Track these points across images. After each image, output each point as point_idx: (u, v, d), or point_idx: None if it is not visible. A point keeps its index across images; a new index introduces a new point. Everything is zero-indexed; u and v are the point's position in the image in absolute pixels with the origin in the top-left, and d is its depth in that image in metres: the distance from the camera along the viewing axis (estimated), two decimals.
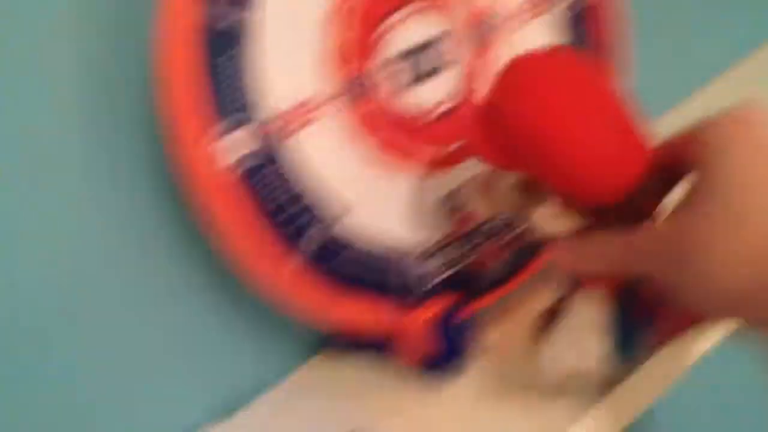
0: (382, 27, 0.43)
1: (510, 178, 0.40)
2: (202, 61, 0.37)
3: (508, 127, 0.36)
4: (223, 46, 0.38)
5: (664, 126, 0.38)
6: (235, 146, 0.38)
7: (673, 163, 0.35)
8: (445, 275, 0.45)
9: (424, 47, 0.44)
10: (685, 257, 0.32)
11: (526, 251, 0.48)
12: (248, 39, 0.38)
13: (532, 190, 0.39)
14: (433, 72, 0.45)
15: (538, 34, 0.49)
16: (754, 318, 0.32)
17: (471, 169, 0.44)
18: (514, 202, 0.40)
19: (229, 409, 0.45)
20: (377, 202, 0.43)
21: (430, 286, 0.45)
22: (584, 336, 0.39)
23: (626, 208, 0.36)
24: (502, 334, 0.46)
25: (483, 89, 0.46)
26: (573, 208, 0.38)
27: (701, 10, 0.70)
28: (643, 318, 0.39)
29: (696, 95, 0.69)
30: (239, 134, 0.38)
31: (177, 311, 0.45)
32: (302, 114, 0.40)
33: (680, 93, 0.69)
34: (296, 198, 0.40)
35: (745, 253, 0.31)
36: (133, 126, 0.42)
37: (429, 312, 0.43)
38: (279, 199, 0.39)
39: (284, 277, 0.39)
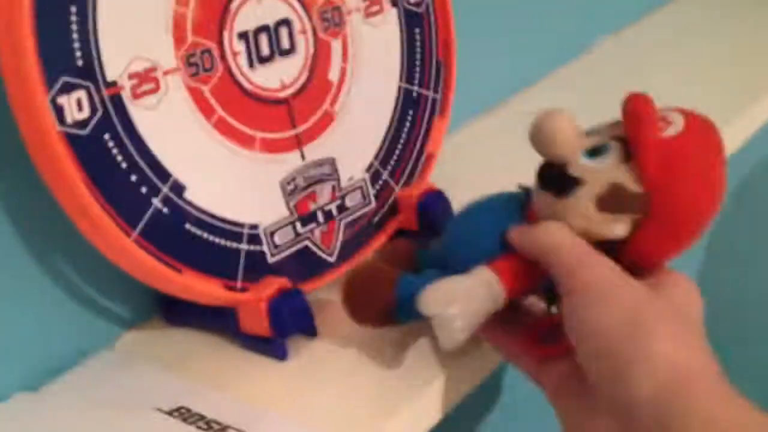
0: (232, 2, 0.43)
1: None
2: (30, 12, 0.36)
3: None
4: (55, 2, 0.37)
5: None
6: (69, 109, 0.37)
7: None
8: (282, 255, 0.46)
9: (271, 28, 0.45)
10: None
11: (363, 234, 0.50)
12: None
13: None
14: (277, 54, 0.46)
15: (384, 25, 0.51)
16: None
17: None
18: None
19: (46, 377, 0.44)
20: (216, 179, 0.43)
21: (267, 264, 0.45)
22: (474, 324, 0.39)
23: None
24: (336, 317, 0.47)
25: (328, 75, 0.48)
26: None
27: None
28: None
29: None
30: (74, 96, 0.38)
31: None
32: (142, 82, 0.40)
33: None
34: (138, 168, 0.40)
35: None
36: None
37: (264, 290, 0.43)
38: (116, 169, 0.39)
39: (122, 248, 0.39)
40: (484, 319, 0.39)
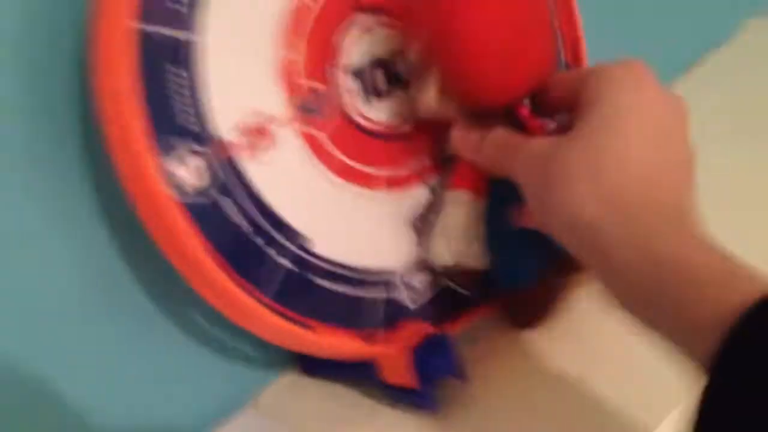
0: (334, 43, 0.41)
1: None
2: (140, 78, 0.34)
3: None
4: (164, 64, 0.35)
5: None
6: (184, 178, 0.36)
7: (563, 94, 0.38)
8: (422, 299, 0.43)
9: (376, 65, 0.43)
10: (549, 181, 0.35)
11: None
12: (193, 62, 0.36)
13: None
14: (387, 91, 0.43)
15: None
16: (591, 255, 0.34)
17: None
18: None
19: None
20: (342, 227, 0.41)
21: (406, 310, 0.43)
22: (456, 237, 0.42)
23: (511, 120, 0.39)
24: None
25: None
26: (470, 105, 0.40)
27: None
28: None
29: None
30: (192, 164, 0.36)
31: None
32: (256, 138, 0.38)
33: None
34: (259, 229, 0.38)
35: (599, 193, 0.33)
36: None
37: (406, 338, 0.41)
38: (241, 232, 0.37)
39: (254, 315, 0.37)
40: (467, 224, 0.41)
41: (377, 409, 0.42)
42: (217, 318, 0.43)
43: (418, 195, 0.44)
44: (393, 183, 0.43)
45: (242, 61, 0.38)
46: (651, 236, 0.32)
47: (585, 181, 0.33)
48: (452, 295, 0.45)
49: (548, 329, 0.45)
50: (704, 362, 0.29)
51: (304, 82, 0.40)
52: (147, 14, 0.35)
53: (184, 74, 0.36)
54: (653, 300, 0.32)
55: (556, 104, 0.39)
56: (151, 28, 0.35)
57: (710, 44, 0.74)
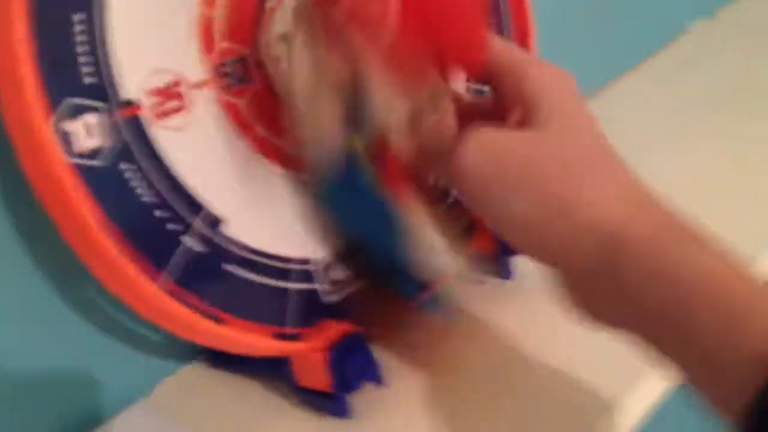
0: (263, 5, 0.37)
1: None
2: (32, 20, 0.30)
3: None
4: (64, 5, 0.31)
5: None
6: (80, 138, 0.31)
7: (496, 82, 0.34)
8: (340, 293, 0.39)
9: None
10: (542, 181, 0.30)
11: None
12: (97, 6, 0.32)
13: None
14: None
15: None
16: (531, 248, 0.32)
17: None
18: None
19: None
20: (259, 209, 0.37)
21: (322, 305, 0.39)
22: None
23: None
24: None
25: None
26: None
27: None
28: None
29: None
30: (83, 121, 0.31)
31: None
32: (165, 100, 0.34)
33: None
34: (163, 202, 0.34)
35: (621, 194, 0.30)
36: None
37: (321, 337, 0.37)
38: (141, 204, 0.33)
39: (150, 296, 0.33)
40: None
41: (286, 410, 0.38)
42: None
43: None
44: None
45: (155, 12, 0.34)
46: (682, 243, 0.28)
47: (605, 181, 0.30)
48: (373, 291, 0.41)
49: (464, 329, 0.42)
50: (734, 409, 0.25)
51: (225, 43, 0.36)
52: None
53: (86, 19, 0.32)
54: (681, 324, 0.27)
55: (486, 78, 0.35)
56: None
57: (656, 45, 0.74)
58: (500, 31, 0.46)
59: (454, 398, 0.38)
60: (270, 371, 0.39)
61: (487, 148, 0.31)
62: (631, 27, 0.71)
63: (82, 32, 0.31)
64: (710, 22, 0.82)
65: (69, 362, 0.39)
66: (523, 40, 0.47)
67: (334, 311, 0.39)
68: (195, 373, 0.42)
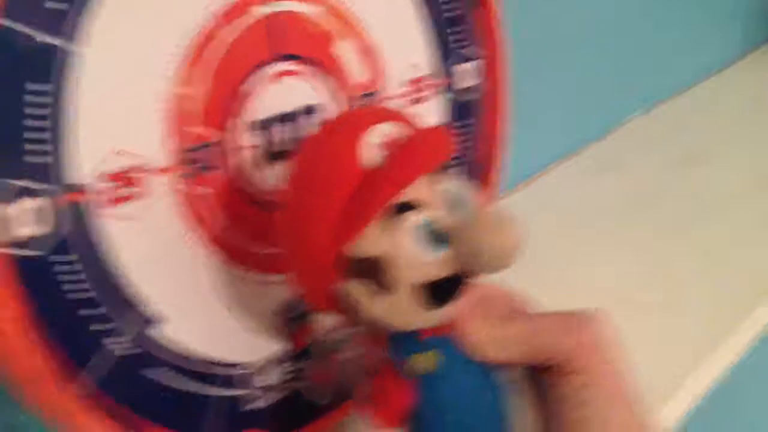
0: (241, 87, 0.34)
1: None
2: None
3: None
4: (8, 74, 0.27)
5: None
6: (15, 222, 0.27)
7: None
8: (261, 402, 0.37)
9: (283, 119, 0.36)
10: None
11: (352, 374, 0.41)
12: (62, 77, 0.28)
13: None
14: (289, 154, 0.36)
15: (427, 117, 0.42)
16: None
17: None
18: None
19: None
20: (199, 308, 0.34)
21: (239, 414, 0.36)
22: None
23: None
24: None
25: None
26: None
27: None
28: None
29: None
30: (24, 206, 0.27)
31: None
32: (120, 186, 0.30)
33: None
34: (90, 301, 0.30)
35: None
36: None
37: None
38: (66, 300, 0.29)
39: (66, 403, 0.29)
40: None
41: None
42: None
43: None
44: (266, 264, 0.36)
45: (124, 88, 0.30)
46: None
47: None
48: (301, 400, 0.38)
49: None
50: None
51: (195, 128, 0.32)
52: (14, 6, 0.26)
53: (48, 90, 0.27)
54: None
55: None
56: (17, 26, 0.26)
57: (592, 138, 0.75)
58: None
59: None
60: None
61: None
62: (569, 117, 0.72)
63: (41, 105, 0.27)
64: (645, 117, 0.83)
65: None
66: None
67: (257, 419, 0.36)
68: None
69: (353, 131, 0.29)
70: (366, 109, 0.36)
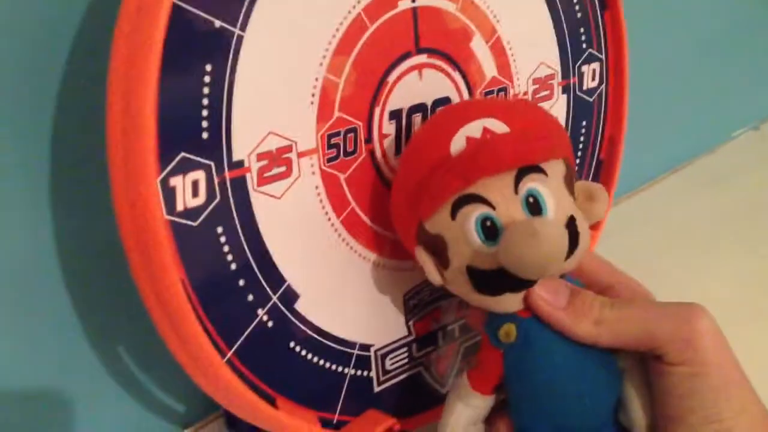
0: (385, 77, 0.35)
1: None
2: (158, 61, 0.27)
3: None
4: (191, 55, 0.29)
5: None
6: (182, 194, 0.29)
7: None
8: (390, 382, 0.38)
9: (429, 108, 0.37)
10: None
11: None
12: (228, 60, 0.30)
13: None
14: None
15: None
16: None
17: None
18: None
19: None
20: (331, 287, 0.35)
21: (371, 393, 0.37)
22: None
23: None
24: None
25: None
26: None
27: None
28: None
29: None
30: (191, 178, 0.29)
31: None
32: (272, 164, 0.32)
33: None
34: (246, 273, 0.31)
35: None
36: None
37: (365, 429, 0.35)
38: (222, 272, 0.31)
39: (211, 369, 0.30)
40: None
41: None
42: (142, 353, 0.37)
43: (419, 270, 0.38)
44: (396, 250, 0.37)
45: (282, 70, 0.31)
46: None
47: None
48: (422, 384, 0.39)
49: None
50: None
51: (339, 113, 0.34)
52: None
53: (211, 70, 0.29)
54: None
55: None
56: (191, 8, 0.28)
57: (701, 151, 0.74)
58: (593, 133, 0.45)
59: None
60: None
61: None
62: (679, 128, 0.71)
63: (205, 84, 0.29)
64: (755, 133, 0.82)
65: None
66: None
67: (379, 401, 0.37)
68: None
69: (454, 121, 0.32)
70: (477, 102, 0.37)
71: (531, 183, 0.30)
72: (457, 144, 0.31)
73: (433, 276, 0.32)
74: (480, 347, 0.33)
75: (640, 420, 0.32)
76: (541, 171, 0.31)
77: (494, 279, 0.30)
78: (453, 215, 0.30)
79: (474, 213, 0.30)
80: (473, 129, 0.31)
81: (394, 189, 0.34)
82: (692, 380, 0.30)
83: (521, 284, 0.30)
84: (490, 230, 0.30)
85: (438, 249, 0.31)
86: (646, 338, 0.31)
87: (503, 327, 0.31)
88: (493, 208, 0.30)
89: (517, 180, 0.30)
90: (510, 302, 0.31)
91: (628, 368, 0.32)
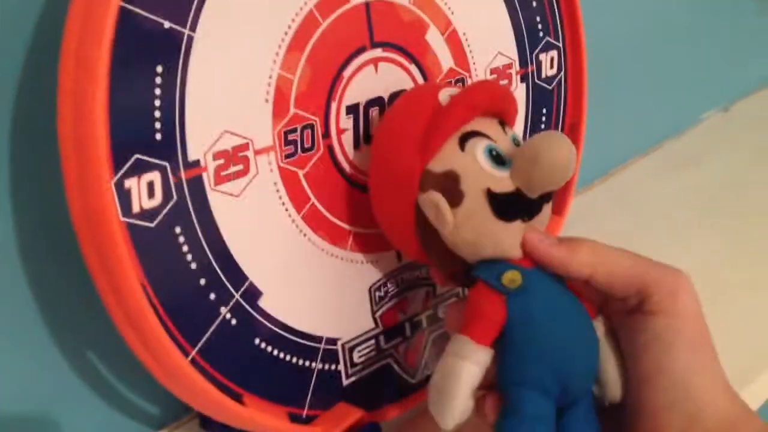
0: (341, 72, 0.35)
1: None
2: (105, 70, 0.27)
3: None
4: (140, 58, 0.29)
5: None
6: (138, 195, 0.29)
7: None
8: (358, 375, 0.38)
9: (386, 100, 0.37)
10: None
11: None
12: (179, 60, 0.30)
13: None
14: None
15: None
16: None
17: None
18: None
19: None
20: (295, 282, 0.35)
21: (340, 387, 0.37)
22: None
23: None
24: None
25: None
26: None
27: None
28: None
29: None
30: (146, 179, 0.29)
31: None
32: (229, 163, 0.32)
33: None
34: (207, 272, 0.32)
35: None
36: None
37: (336, 423, 0.35)
38: (182, 272, 0.31)
39: (175, 369, 0.31)
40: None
41: None
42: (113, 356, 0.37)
43: (383, 262, 0.39)
44: (360, 243, 0.37)
45: (233, 71, 0.31)
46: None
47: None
48: (392, 375, 0.40)
49: None
50: None
51: (295, 110, 0.34)
52: None
53: (162, 72, 0.29)
54: None
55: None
56: (139, 10, 0.28)
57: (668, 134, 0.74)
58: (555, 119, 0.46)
59: None
60: None
61: None
62: (647, 112, 0.72)
63: (156, 86, 0.29)
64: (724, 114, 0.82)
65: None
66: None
67: (349, 394, 0.38)
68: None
69: (432, 87, 0.35)
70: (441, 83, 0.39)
71: (510, 132, 0.34)
72: (444, 98, 0.33)
73: (445, 214, 0.32)
74: (469, 302, 0.33)
75: (615, 381, 0.33)
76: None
77: (511, 202, 0.32)
78: (462, 147, 0.32)
79: (481, 143, 0.32)
80: (452, 91, 0.34)
81: (380, 155, 0.35)
82: (666, 333, 0.32)
83: (532, 208, 0.32)
84: (498, 158, 0.32)
85: (449, 184, 0.32)
86: (637, 279, 0.32)
87: (507, 273, 0.32)
88: (494, 141, 0.33)
89: (502, 127, 0.34)
90: (510, 242, 0.32)
91: (602, 337, 0.33)
